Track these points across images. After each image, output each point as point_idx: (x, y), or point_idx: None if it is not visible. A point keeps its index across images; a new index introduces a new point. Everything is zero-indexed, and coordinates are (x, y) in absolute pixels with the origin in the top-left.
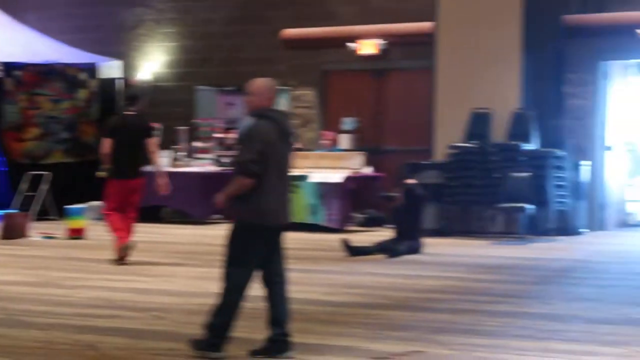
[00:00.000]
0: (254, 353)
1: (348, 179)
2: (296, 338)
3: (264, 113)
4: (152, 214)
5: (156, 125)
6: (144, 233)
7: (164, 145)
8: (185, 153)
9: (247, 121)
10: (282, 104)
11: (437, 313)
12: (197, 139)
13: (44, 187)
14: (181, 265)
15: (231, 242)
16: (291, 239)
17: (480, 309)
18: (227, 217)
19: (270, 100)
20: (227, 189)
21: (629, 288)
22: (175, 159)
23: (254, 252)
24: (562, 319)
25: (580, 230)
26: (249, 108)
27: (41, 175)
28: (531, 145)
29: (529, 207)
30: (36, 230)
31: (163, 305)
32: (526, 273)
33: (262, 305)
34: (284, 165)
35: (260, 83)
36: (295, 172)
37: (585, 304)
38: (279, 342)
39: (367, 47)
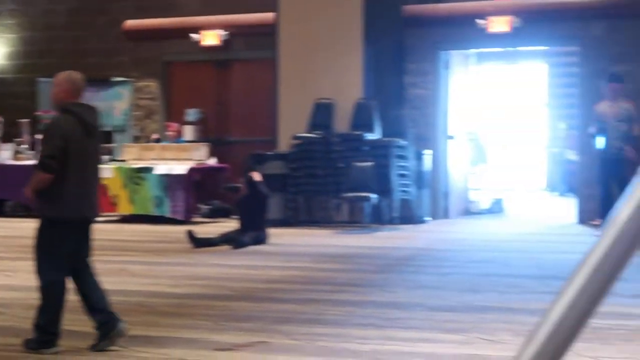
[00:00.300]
0: (93, 348)
1: (192, 170)
2: (140, 331)
3: (67, 107)
4: None
5: None
6: None
7: (6, 138)
8: (27, 146)
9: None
10: (125, 95)
11: (281, 303)
12: (40, 131)
13: None
14: (23, 259)
15: (39, 238)
16: (136, 232)
17: (323, 299)
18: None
19: (73, 94)
20: (30, 183)
21: (470, 275)
22: (18, 152)
23: (62, 247)
24: (403, 307)
25: (424, 218)
26: (53, 102)
27: None
28: (374, 135)
29: (373, 197)
30: None
31: (4, 300)
32: (369, 262)
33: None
34: (88, 160)
35: (63, 76)
36: (140, 164)
37: (426, 292)
38: (105, 324)
39: (210, 38)
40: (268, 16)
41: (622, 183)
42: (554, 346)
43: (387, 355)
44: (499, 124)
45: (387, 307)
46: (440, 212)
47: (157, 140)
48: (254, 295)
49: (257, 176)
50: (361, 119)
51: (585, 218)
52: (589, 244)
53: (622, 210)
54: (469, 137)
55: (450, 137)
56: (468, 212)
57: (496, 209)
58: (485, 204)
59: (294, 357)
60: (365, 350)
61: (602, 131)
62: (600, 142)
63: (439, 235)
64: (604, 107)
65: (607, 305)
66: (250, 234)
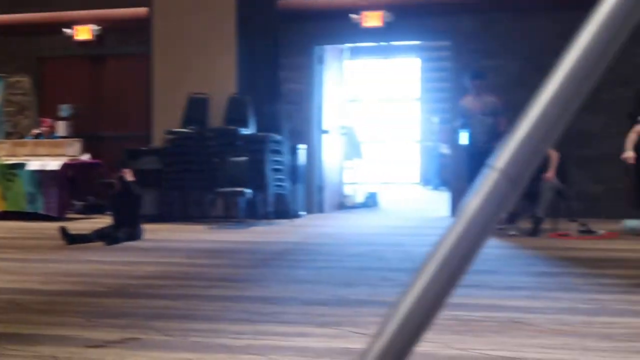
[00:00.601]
0: None
1: (66, 166)
2: (11, 328)
3: None
4: None
5: None
6: None
7: None
8: None
9: None
10: None
11: (155, 299)
12: None
13: None
14: None
15: None
16: (8, 228)
17: (197, 294)
18: None
19: None
20: None
21: (344, 269)
22: None
23: None
24: (277, 301)
25: (299, 213)
26: None
27: None
28: (248, 130)
29: (248, 191)
30: None
31: None
32: (244, 257)
33: None
34: None
35: None
36: (12, 160)
37: (300, 286)
38: None
39: (83, 33)
40: (141, 11)
41: None
42: (403, 338)
43: (261, 349)
44: (374, 118)
45: (262, 301)
46: (315, 206)
47: (38, 136)
48: (127, 291)
49: (129, 175)
50: (235, 114)
51: (458, 211)
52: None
53: (471, 201)
54: (343, 131)
55: (325, 132)
56: (343, 206)
57: (370, 202)
58: (359, 198)
59: (166, 353)
60: (239, 345)
61: (465, 126)
62: (463, 137)
63: (313, 230)
64: (469, 102)
65: (479, 298)
66: (124, 230)
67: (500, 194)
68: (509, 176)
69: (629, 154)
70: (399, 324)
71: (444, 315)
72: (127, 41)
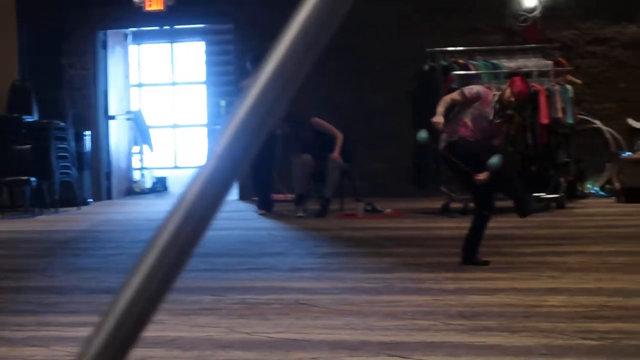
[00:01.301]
0: None
1: None
2: None
3: None
4: None
5: None
6: None
7: None
8: None
9: None
10: None
11: None
12: None
13: None
14: None
15: None
16: None
17: None
18: None
19: None
20: None
21: (132, 256)
22: None
23: None
24: (63, 291)
25: (87, 200)
26: None
27: None
28: (32, 117)
29: (33, 180)
30: None
31: None
32: (29, 246)
33: None
34: None
35: None
36: None
37: (87, 275)
38: None
39: None
40: None
41: (272, 160)
42: (125, 330)
43: (43, 341)
44: (161, 102)
45: (46, 291)
46: (102, 193)
47: None
48: None
49: None
50: (18, 101)
51: (246, 195)
52: (251, 220)
53: (190, 188)
54: (130, 116)
55: (111, 117)
56: (131, 192)
57: (160, 188)
58: (148, 184)
59: None
60: (21, 337)
61: None
62: None
63: (101, 217)
64: (249, 85)
65: (266, 280)
66: None
67: (220, 180)
68: (227, 161)
69: (439, 119)
70: (118, 319)
71: (230, 299)
72: None
